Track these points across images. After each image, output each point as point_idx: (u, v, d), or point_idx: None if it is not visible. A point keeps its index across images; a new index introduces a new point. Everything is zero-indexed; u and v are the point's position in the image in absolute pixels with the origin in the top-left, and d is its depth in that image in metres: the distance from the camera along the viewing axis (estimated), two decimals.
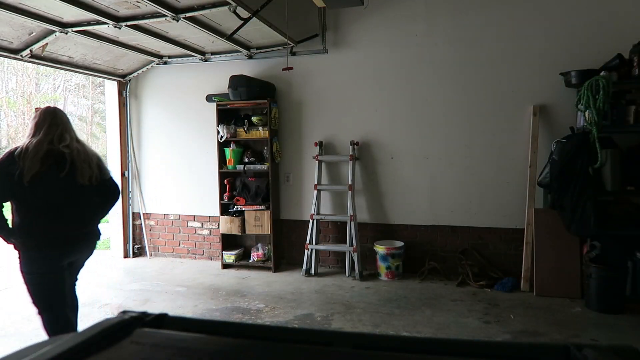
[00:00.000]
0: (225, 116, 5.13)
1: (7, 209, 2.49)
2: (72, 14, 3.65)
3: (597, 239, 3.85)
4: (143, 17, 3.78)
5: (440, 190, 4.74)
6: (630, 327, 3.44)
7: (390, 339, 0.85)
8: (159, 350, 0.75)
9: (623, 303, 3.73)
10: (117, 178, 5.73)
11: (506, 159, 4.51)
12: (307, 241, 4.89)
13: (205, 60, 5.36)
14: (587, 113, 3.71)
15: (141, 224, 5.83)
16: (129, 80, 5.75)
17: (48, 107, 2.56)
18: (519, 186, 4.42)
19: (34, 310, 2.57)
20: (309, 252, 4.89)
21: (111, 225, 5.92)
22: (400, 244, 4.75)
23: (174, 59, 5.47)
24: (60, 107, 3.19)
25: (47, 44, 4.22)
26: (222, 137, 5.03)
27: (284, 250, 5.30)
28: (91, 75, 5.37)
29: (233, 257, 5.19)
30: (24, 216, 2.47)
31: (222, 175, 5.16)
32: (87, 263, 2.79)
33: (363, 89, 4.92)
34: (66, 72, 6.23)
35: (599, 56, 4.04)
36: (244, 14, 3.75)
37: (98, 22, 3.80)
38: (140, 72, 5.62)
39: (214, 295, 4.31)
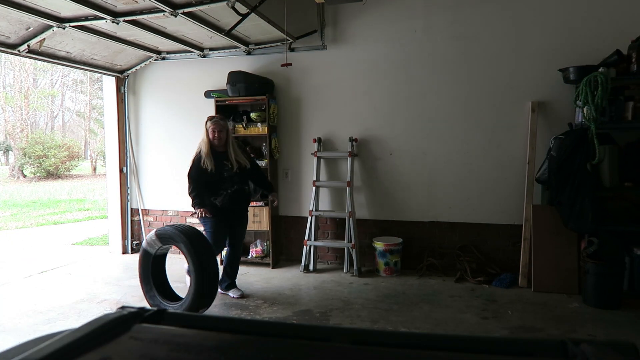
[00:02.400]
0: (223, 112, 5.12)
1: None
2: (70, 8, 3.63)
3: (594, 235, 3.86)
4: (141, 12, 3.77)
5: (439, 186, 4.75)
6: (627, 322, 3.46)
7: (388, 335, 0.86)
8: (157, 345, 0.75)
9: (620, 299, 3.74)
10: (115, 174, 5.76)
11: (504, 155, 4.52)
12: (306, 237, 4.89)
13: (204, 56, 5.34)
14: (585, 109, 3.70)
15: (139, 220, 5.83)
16: (127, 76, 5.73)
17: None
18: (517, 182, 4.43)
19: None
20: (308, 249, 4.89)
21: (109, 221, 5.91)
22: (398, 240, 4.76)
23: (172, 55, 5.45)
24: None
25: (44, 39, 4.20)
26: None
27: (283, 246, 5.31)
28: (89, 70, 5.35)
29: None
30: None
31: None
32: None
33: (362, 85, 4.91)
34: (64, 67, 6.21)
35: (597, 52, 4.03)
36: (243, 9, 3.74)
37: (96, 17, 3.79)
38: (138, 67, 5.60)
39: None
